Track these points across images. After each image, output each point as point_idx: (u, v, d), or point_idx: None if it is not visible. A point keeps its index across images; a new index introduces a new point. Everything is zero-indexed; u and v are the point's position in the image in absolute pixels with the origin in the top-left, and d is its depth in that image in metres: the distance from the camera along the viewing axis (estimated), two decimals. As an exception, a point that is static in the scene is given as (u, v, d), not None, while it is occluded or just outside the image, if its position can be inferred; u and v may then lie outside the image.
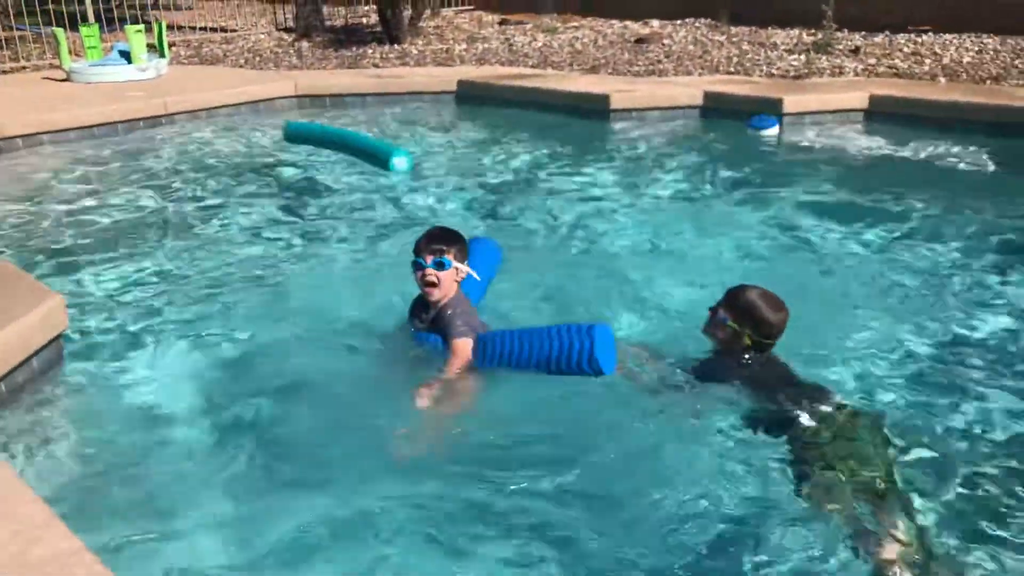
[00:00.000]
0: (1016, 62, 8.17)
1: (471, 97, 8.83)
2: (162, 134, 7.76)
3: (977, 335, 3.64)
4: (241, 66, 10.84)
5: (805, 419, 2.78)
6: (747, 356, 3.00)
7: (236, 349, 3.66)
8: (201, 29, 12.93)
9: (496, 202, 5.72)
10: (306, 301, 4.13)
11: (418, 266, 3.20)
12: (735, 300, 2.99)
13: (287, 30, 12.55)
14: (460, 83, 9.02)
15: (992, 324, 3.72)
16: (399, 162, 6.26)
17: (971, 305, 3.90)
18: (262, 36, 12.42)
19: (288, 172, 6.55)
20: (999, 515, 2.53)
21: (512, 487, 2.67)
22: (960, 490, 2.64)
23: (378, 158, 6.39)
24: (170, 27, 11.81)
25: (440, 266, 3.18)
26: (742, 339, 2.96)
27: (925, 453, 2.81)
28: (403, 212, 5.55)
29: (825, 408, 2.84)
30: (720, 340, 3.05)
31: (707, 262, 4.48)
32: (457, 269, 3.23)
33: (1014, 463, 2.78)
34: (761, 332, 2.95)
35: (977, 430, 2.96)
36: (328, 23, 12.62)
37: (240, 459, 2.91)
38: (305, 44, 11.71)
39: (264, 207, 5.68)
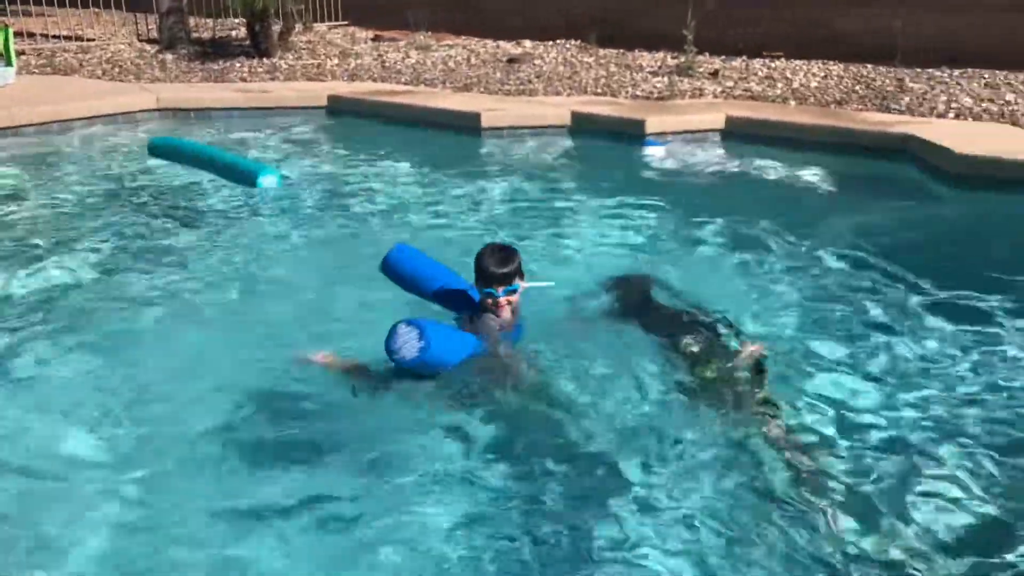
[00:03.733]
0: (856, 87, 8.77)
1: (341, 113, 8.76)
2: (7, 148, 7.31)
3: (828, 341, 3.85)
4: (99, 77, 10.34)
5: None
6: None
7: (131, 371, 3.57)
8: (55, 37, 12.27)
9: (366, 219, 5.68)
10: (189, 322, 4.05)
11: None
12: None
13: (150, 41, 12.08)
14: (330, 98, 8.94)
15: (837, 333, 3.95)
16: (267, 180, 6.11)
17: (820, 313, 4.15)
18: (122, 46, 11.90)
19: (147, 189, 6.30)
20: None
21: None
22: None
23: (245, 176, 6.21)
24: (19, 34, 11.15)
25: (511, 292, 3.40)
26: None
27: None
28: (270, 230, 5.44)
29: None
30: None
31: (568, 268, 4.65)
32: (522, 286, 3.47)
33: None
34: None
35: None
36: (194, 35, 12.22)
37: (166, 483, 2.87)
38: (169, 56, 11.29)
39: (123, 226, 5.44)
